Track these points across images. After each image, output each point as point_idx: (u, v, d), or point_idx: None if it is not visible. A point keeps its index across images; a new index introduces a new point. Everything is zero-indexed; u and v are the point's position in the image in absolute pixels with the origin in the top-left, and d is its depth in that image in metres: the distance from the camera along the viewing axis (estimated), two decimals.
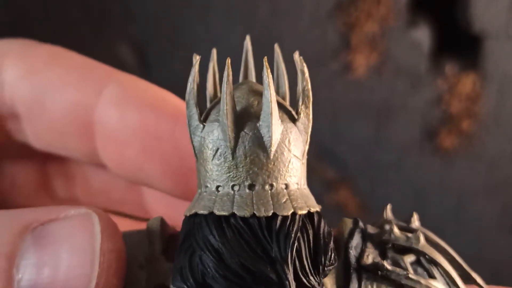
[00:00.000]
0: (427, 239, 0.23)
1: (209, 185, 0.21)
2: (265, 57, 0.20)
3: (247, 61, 0.24)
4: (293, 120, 0.21)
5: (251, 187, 0.21)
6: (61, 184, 0.32)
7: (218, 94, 0.24)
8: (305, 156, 0.22)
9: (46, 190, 0.32)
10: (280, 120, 0.21)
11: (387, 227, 0.23)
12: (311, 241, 0.20)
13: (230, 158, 0.21)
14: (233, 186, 0.21)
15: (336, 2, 0.58)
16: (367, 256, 0.22)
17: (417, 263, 0.22)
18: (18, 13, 0.57)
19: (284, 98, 0.23)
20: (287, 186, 0.21)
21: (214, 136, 0.21)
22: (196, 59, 0.22)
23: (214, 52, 0.23)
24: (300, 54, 0.22)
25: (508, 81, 0.59)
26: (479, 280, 0.23)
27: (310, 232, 0.20)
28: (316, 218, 0.21)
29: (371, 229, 0.23)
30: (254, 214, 0.20)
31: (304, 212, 0.20)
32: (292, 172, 0.21)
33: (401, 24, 0.59)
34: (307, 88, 0.21)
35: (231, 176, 0.21)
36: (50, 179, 0.32)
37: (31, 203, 0.31)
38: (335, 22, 0.59)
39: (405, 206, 0.60)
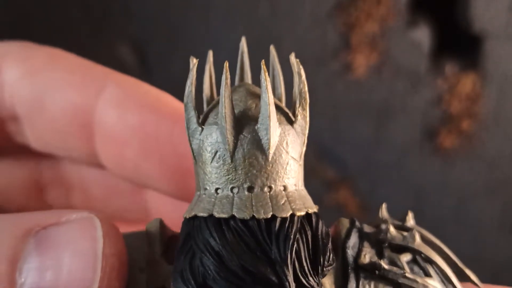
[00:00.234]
0: (422, 237, 0.23)
1: (208, 188, 0.21)
2: (263, 60, 0.21)
3: (243, 63, 0.24)
4: (291, 122, 0.22)
5: (250, 189, 0.21)
6: (56, 193, 0.32)
7: (215, 96, 0.24)
8: (302, 158, 0.22)
9: (39, 199, 0.32)
10: (278, 123, 0.21)
11: (383, 226, 0.23)
12: (310, 242, 0.21)
13: (229, 161, 0.21)
14: (232, 188, 0.21)
15: (336, 2, 0.58)
16: (364, 255, 0.22)
17: (413, 261, 0.23)
18: (18, 13, 0.57)
19: (280, 99, 0.23)
20: (285, 187, 0.21)
21: (213, 139, 0.21)
22: (193, 62, 0.22)
23: (210, 54, 0.23)
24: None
25: (508, 81, 0.59)
26: (473, 277, 0.24)
27: (309, 233, 0.21)
28: (314, 219, 0.21)
29: (367, 229, 0.23)
30: (253, 216, 0.20)
31: (303, 213, 0.21)
32: (290, 173, 0.21)
33: (401, 24, 0.59)
34: (304, 91, 0.22)
35: (230, 179, 0.21)
36: (45, 188, 0.32)
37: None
38: (335, 22, 0.59)
39: (405, 206, 0.60)
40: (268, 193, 0.21)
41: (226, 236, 0.20)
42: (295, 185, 0.21)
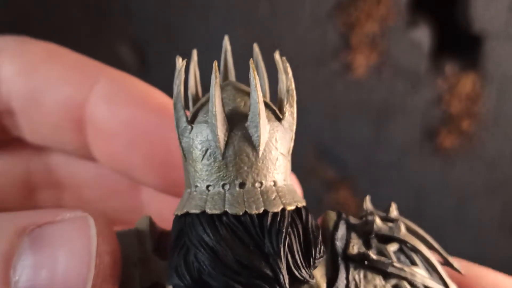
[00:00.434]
0: (407, 228, 0.24)
1: (199, 185, 0.22)
2: (251, 59, 0.21)
3: (226, 61, 0.25)
4: (278, 119, 0.22)
5: (241, 185, 0.21)
6: (48, 194, 0.33)
7: (200, 94, 0.24)
8: (290, 153, 0.23)
9: (30, 200, 0.32)
10: (267, 120, 0.21)
11: (369, 217, 0.24)
12: (301, 235, 0.21)
13: (220, 158, 0.21)
14: (223, 185, 0.21)
15: (336, 2, 0.58)
16: (352, 246, 0.23)
17: (399, 251, 0.23)
18: (18, 13, 0.57)
19: (265, 96, 0.24)
20: (275, 183, 0.22)
21: (203, 137, 0.21)
22: (181, 63, 0.22)
23: (194, 53, 0.24)
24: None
25: (508, 81, 0.59)
26: (455, 264, 0.25)
27: (300, 226, 0.21)
28: (304, 213, 0.22)
29: (353, 220, 0.24)
30: (246, 211, 0.20)
31: (293, 207, 0.21)
32: (280, 169, 0.22)
33: (401, 24, 0.59)
34: (292, 88, 0.22)
35: (221, 176, 0.21)
36: (36, 189, 0.32)
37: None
38: (335, 22, 0.59)
39: (405, 206, 0.60)
40: (259, 189, 0.21)
41: (220, 232, 0.20)
42: (284, 180, 0.22)
